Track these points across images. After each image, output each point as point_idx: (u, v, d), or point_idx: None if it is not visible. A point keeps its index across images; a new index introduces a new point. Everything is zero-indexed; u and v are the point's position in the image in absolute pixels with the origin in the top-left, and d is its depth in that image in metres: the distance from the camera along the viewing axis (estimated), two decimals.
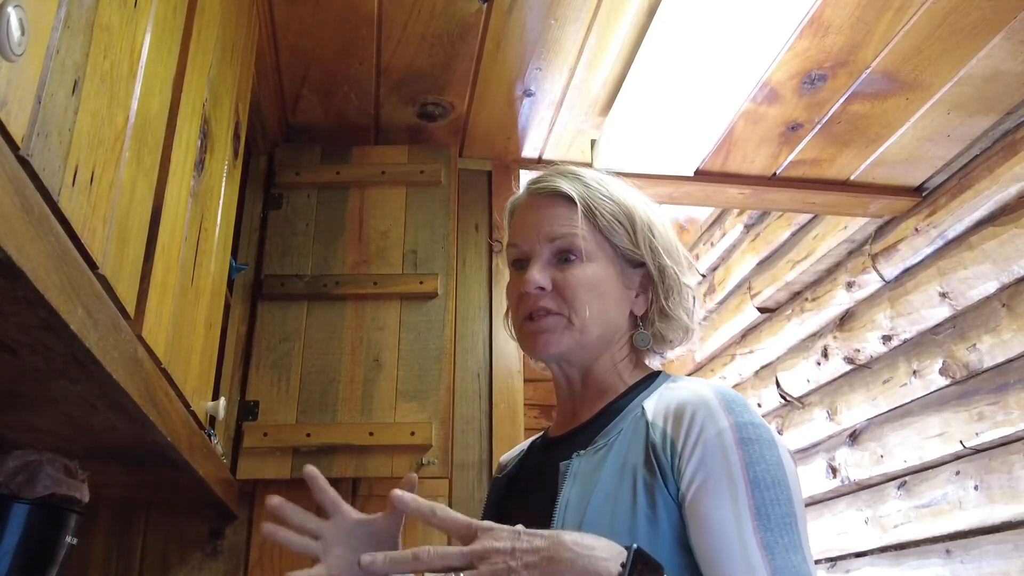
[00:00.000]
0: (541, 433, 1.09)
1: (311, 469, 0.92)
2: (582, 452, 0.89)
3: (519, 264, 1.00)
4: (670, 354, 1.04)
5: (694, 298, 1.02)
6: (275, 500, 0.90)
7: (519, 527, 0.71)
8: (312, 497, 0.92)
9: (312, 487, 0.92)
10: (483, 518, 1.02)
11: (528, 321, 0.96)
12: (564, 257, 0.96)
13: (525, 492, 0.99)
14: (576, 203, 0.96)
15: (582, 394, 0.99)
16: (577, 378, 0.99)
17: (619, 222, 0.97)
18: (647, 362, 1.03)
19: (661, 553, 0.78)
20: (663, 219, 1.02)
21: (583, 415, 0.97)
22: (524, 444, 1.11)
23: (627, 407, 0.92)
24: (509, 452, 1.13)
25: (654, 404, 0.89)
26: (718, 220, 3.18)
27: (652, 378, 0.98)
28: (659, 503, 0.80)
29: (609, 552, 0.70)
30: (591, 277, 0.95)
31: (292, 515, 0.91)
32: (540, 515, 0.86)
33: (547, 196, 1.00)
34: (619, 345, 0.99)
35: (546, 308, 0.95)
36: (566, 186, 0.98)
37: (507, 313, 1.05)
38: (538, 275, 0.95)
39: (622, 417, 0.91)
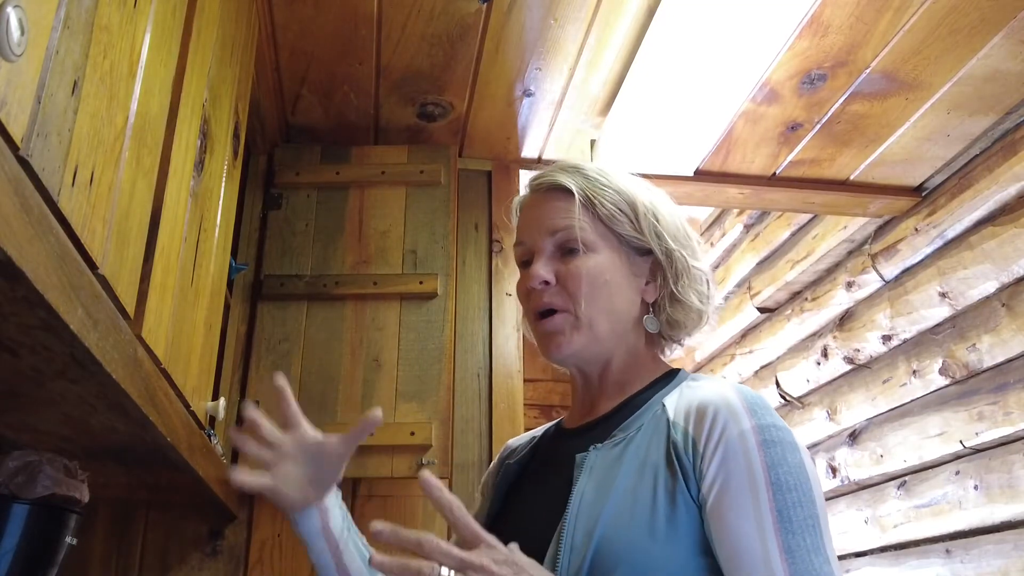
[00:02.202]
0: (555, 422, 1.08)
1: (281, 380, 0.92)
2: (599, 445, 0.88)
3: (526, 262, 1.00)
4: (688, 341, 1.03)
5: (708, 281, 1.00)
6: (253, 412, 0.92)
7: (518, 559, 0.72)
8: (277, 407, 0.93)
9: (278, 397, 0.92)
10: (491, 501, 1.03)
11: (538, 321, 0.96)
12: (567, 250, 0.96)
13: (539, 481, 0.98)
14: (575, 195, 0.96)
15: (600, 388, 0.98)
16: (595, 374, 0.99)
17: (621, 210, 0.96)
18: (665, 351, 1.03)
19: (680, 554, 0.78)
20: (669, 205, 1.01)
21: (601, 408, 0.97)
22: (536, 431, 1.10)
23: (647, 402, 0.92)
24: (518, 438, 1.12)
25: (675, 402, 0.89)
26: (718, 220, 3.18)
27: (672, 375, 0.97)
28: (680, 504, 0.80)
29: None
30: (594, 268, 0.94)
31: (264, 428, 0.92)
32: (554, 506, 0.86)
33: (547, 191, 1.00)
34: (634, 336, 0.98)
35: (552, 304, 0.95)
36: (564, 179, 0.98)
37: (524, 314, 1.05)
38: (542, 269, 0.95)
39: (642, 412, 0.90)
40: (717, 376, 1.02)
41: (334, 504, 0.97)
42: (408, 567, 0.69)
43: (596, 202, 0.96)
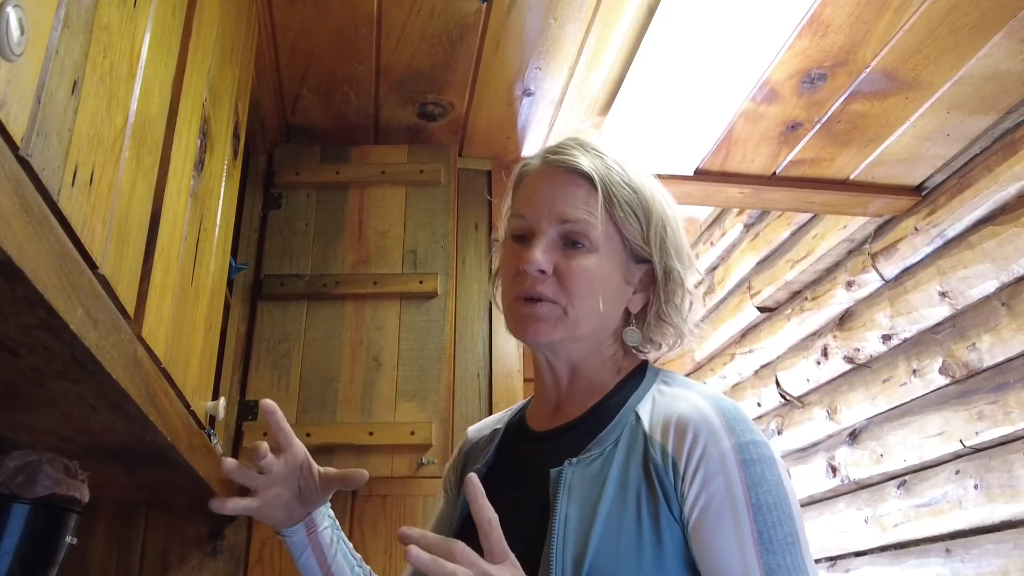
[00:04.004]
0: (517, 412, 1.03)
1: (270, 404, 0.94)
2: (574, 460, 0.85)
3: (520, 237, 0.93)
4: (654, 355, 1.00)
5: (691, 303, 0.97)
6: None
7: None
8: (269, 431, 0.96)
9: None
10: (457, 507, 0.97)
11: (522, 303, 0.91)
12: (572, 242, 0.90)
13: (510, 493, 0.90)
14: (596, 187, 0.90)
15: (568, 389, 0.95)
16: (564, 371, 0.95)
17: (634, 214, 0.91)
18: (630, 355, 0.99)
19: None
20: (678, 217, 0.97)
21: (569, 412, 0.94)
22: (498, 423, 1.04)
23: (619, 411, 0.89)
24: (478, 428, 1.07)
25: (650, 412, 0.86)
26: (718, 219, 3.18)
27: (640, 373, 0.94)
28: (663, 525, 0.79)
29: None
30: (595, 268, 0.90)
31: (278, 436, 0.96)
32: (533, 525, 0.83)
33: (565, 171, 0.92)
34: (609, 341, 0.95)
35: (542, 294, 0.89)
36: (587, 165, 0.91)
37: (493, 279, 1.01)
38: (540, 256, 0.89)
39: (616, 423, 0.87)
40: (689, 380, 0.99)
41: (323, 516, 1.00)
42: (444, 567, 0.69)
43: (615, 201, 0.90)
